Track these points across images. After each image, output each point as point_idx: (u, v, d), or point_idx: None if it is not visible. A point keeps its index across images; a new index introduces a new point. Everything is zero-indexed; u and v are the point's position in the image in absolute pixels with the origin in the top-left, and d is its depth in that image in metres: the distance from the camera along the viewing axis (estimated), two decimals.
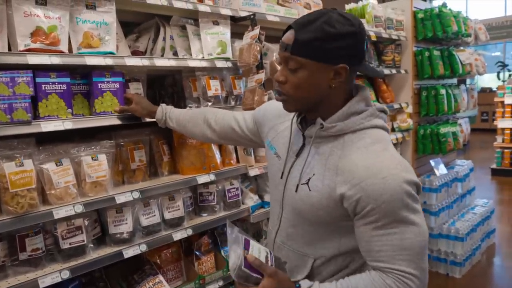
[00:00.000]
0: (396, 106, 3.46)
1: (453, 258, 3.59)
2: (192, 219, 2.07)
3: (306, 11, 2.61)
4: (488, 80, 12.08)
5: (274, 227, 1.31)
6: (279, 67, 2.12)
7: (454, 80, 4.22)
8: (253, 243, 1.12)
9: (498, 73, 10.90)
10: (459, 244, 3.57)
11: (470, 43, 4.19)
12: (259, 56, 2.05)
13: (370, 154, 1.06)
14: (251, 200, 2.31)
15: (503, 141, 7.25)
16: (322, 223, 1.14)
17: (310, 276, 1.20)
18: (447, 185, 3.79)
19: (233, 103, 2.19)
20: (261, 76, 2.04)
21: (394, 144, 3.56)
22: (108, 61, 1.67)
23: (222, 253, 2.20)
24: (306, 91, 1.09)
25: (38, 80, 1.52)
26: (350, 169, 1.05)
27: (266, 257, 1.11)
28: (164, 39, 2.05)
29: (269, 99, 2.07)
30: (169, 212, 1.94)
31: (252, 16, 2.16)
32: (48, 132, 1.53)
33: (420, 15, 3.56)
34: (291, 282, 1.10)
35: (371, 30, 3.14)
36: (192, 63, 1.98)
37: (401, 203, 1.01)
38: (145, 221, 1.84)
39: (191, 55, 2.06)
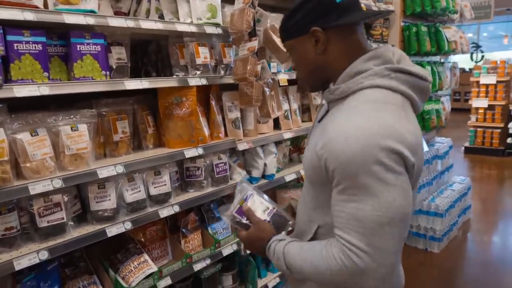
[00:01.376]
0: None
1: (432, 234, 3.65)
2: (179, 195, 1.96)
3: None
4: (462, 60, 12.29)
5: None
6: (273, 35, 2.00)
7: (438, 58, 4.20)
8: (256, 197, 1.28)
9: (472, 54, 11.07)
10: (438, 220, 3.63)
11: (456, 20, 4.16)
12: (252, 23, 1.91)
13: (349, 113, 0.99)
14: (239, 175, 2.21)
15: (476, 120, 7.41)
16: (318, 186, 1.09)
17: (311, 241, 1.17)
18: (428, 162, 3.81)
19: (222, 72, 2.05)
20: (254, 44, 1.90)
21: None
22: (89, 20, 1.50)
23: (210, 230, 2.11)
24: (303, 67, 1.14)
25: (9, 38, 1.34)
26: (325, 128, 1.03)
27: (265, 211, 1.27)
28: (149, 0, 1.87)
29: (262, 68, 1.94)
30: (155, 187, 1.82)
31: None
32: (21, 98, 1.35)
33: None
34: (269, 232, 1.20)
35: (362, 2, 3.02)
36: (180, 27, 1.82)
37: (363, 168, 0.91)
38: (129, 197, 1.71)
39: (178, 19, 1.90)
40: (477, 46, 11.02)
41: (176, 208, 1.86)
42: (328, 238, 1.08)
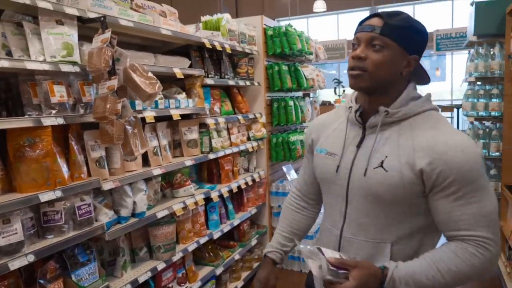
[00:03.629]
0: (251, 116, 3.64)
1: None
2: (35, 243, 1.81)
3: (162, 19, 2.57)
4: (327, 95, 13.74)
5: (337, 224, 1.33)
6: (133, 75, 2.04)
7: (300, 93, 4.65)
8: (324, 249, 1.19)
9: (335, 88, 12.44)
10: (311, 243, 3.91)
11: (312, 60, 4.69)
12: (110, 61, 1.92)
13: (443, 131, 1.18)
14: (106, 216, 2.13)
15: None
16: (396, 203, 1.20)
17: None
18: None
19: (82, 111, 2.00)
20: (114, 82, 1.91)
21: (250, 153, 3.74)
22: None
23: (73, 277, 1.97)
24: (384, 71, 1.19)
25: None
26: (429, 144, 1.15)
27: (340, 255, 1.19)
28: None
29: (123, 107, 1.95)
30: (3, 237, 1.65)
31: (102, 19, 2.02)
32: None
33: (270, 32, 3.83)
34: (375, 266, 1.16)
35: (226, 43, 3.25)
36: (30, 65, 1.74)
37: (478, 172, 1.13)
38: None
39: (29, 56, 1.82)
40: (339, 82, 12.43)
41: (31, 258, 1.71)
42: (402, 251, 1.23)
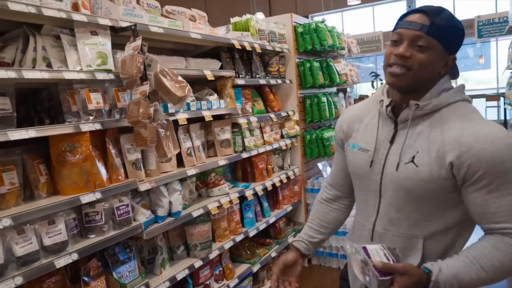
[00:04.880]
0: (283, 114, 3.65)
1: (343, 252, 3.88)
2: (78, 242, 1.92)
3: (191, 23, 2.63)
4: (365, 89, 13.46)
5: (370, 218, 1.34)
6: (164, 79, 2.10)
7: (334, 89, 4.61)
8: (369, 247, 1.16)
9: (372, 82, 12.18)
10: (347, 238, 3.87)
11: (345, 55, 4.63)
12: (142, 68, 2.00)
13: (472, 122, 1.15)
14: (144, 216, 2.22)
15: None
16: (428, 198, 1.19)
17: (423, 257, 1.23)
18: None
19: (117, 116, 2.10)
20: (146, 87, 1.99)
21: (284, 151, 3.76)
22: None
23: (114, 275, 2.07)
24: (427, 71, 1.18)
25: None
26: (457, 137, 1.13)
27: (385, 254, 1.15)
28: (35, 49, 1.88)
29: (155, 110, 2.02)
30: (49, 237, 1.77)
31: (133, 27, 2.11)
32: None
33: (300, 30, 3.83)
34: (419, 270, 1.13)
35: (255, 43, 3.28)
36: (68, 75, 1.85)
37: (510, 163, 1.08)
38: (19, 251, 1.65)
39: (67, 66, 1.93)
40: (376, 75, 12.15)
41: (75, 256, 1.82)
42: (435, 246, 1.22)
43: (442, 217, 1.22)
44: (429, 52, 1.16)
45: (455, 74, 1.30)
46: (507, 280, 3.50)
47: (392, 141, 1.27)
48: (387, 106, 1.29)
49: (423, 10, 1.18)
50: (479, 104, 11.94)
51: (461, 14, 11.72)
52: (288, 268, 1.47)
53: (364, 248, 1.16)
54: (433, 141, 1.17)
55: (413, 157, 1.19)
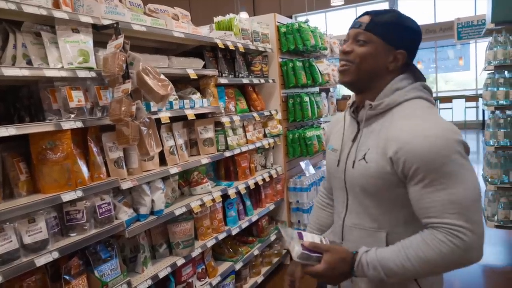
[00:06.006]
0: (266, 113, 3.68)
1: None
2: (59, 241, 1.91)
3: (174, 22, 2.64)
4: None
5: (340, 214, 1.39)
6: (146, 78, 2.11)
7: (316, 89, 4.66)
8: (305, 233, 1.24)
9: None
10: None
11: (327, 55, 4.68)
12: (124, 66, 2.00)
13: (414, 119, 1.18)
14: (125, 214, 2.22)
15: None
16: (380, 194, 1.23)
17: None
18: (315, 184, 4.15)
19: (99, 114, 2.09)
20: (128, 86, 1.99)
21: (266, 149, 3.79)
22: None
23: (96, 273, 2.07)
24: (368, 63, 1.24)
25: None
26: (395, 134, 1.17)
27: (320, 240, 1.23)
28: (15, 46, 1.87)
29: (137, 109, 2.03)
30: (29, 236, 1.76)
31: (115, 25, 2.10)
32: None
33: (283, 29, 3.86)
34: (345, 249, 1.20)
35: (239, 42, 3.30)
36: (49, 73, 1.84)
37: (446, 158, 1.09)
38: None
39: (48, 64, 1.92)
40: None
41: (55, 255, 1.82)
42: (401, 239, 1.18)
43: (400, 212, 1.25)
44: (369, 45, 1.24)
45: (419, 78, 1.32)
46: (484, 276, 3.62)
47: (354, 140, 1.34)
48: (350, 107, 1.38)
49: (368, 12, 1.28)
50: (459, 105, 12.24)
51: (442, 16, 11.98)
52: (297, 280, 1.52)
53: (299, 233, 1.23)
54: (381, 138, 1.23)
55: (365, 154, 1.26)
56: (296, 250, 1.18)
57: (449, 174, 1.09)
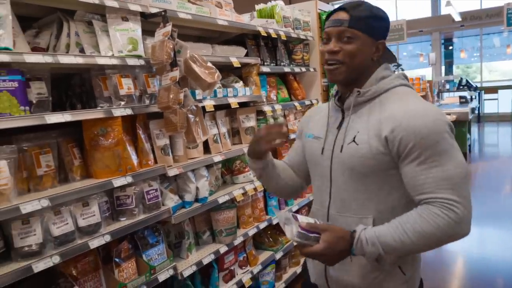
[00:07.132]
0: (307, 102, 3.63)
1: None
2: (110, 225, 1.97)
3: (218, 10, 2.63)
4: None
5: (324, 203, 1.40)
6: (193, 65, 2.12)
7: None
8: (300, 216, 1.26)
9: (394, 71, 12.01)
10: None
11: None
12: (172, 54, 2.01)
13: (407, 102, 1.25)
14: (172, 201, 2.26)
15: None
16: (371, 175, 1.26)
17: None
18: None
19: (147, 101, 2.12)
20: (176, 73, 2.00)
21: None
22: (4, 58, 1.51)
23: (144, 257, 2.12)
24: (358, 59, 1.28)
25: None
26: (391, 114, 1.23)
27: (315, 222, 1.26)
28: (68, 35, 1.92)
29: (185, 96, 2.04)
30: (83, 219, 1.82)
31: (163, 13, 2.12)
32: None
33: (324, 17, 3.78)
34: (345, 230, 1.23)
35: (281, 30, 3.26)
36: (101, 61, 1.88)
37: (439, 136, 1.16)
38: (56, 231, 1.70)
39: (99, 52, 1.96)
40: (398, 65, 11.95)
41: (107, 238, 1.87)
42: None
43: (388, 196, 1.28)
44: (355, 42, 1.27)
45: (391, 58, 1.40)
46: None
47: (339, 128, 1.37)
48: (334, 96, 1.42)
49: (343, 8, 1.30)
50: (505, 96, 11.65)
51: (489, 1, 11.38)
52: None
53: (294, 216, 1.25)
54: (372, 121, 1.27)
55: (354, 137, 1.29)
56: (294, 230, 1.20)
57: (442, 152, 1.16)
